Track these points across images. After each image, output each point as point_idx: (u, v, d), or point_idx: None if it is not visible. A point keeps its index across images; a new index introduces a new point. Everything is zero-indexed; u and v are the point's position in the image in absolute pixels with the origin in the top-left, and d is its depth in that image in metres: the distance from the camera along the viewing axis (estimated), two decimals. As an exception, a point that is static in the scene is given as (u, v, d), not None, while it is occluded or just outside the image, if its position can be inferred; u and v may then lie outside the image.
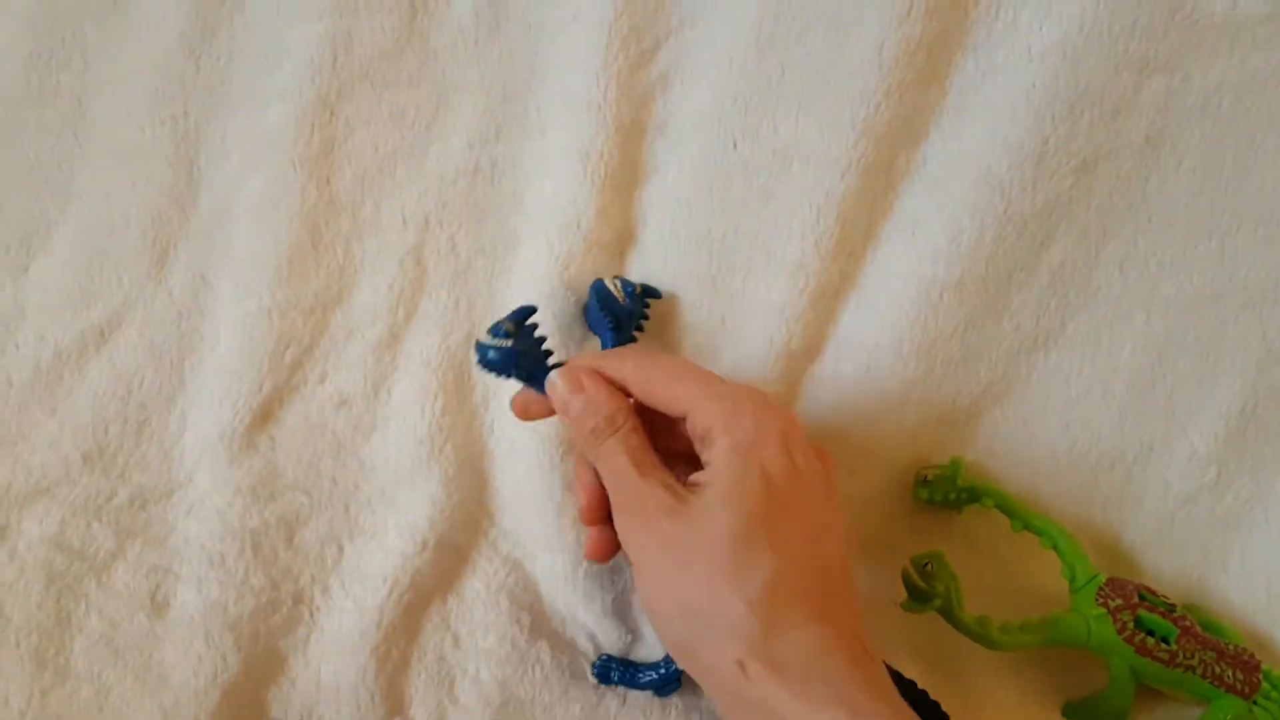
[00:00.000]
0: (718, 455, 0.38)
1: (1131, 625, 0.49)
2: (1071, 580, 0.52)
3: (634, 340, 0.49)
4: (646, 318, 0.50)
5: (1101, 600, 0.50)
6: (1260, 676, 0.50)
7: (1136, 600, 0.50)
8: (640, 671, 0.48)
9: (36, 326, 0.52)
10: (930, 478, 0.54)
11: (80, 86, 0.53)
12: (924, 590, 0.50)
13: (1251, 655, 0.50)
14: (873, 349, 0.51)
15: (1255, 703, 0.49)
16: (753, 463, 0.37)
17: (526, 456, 0.51)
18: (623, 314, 0.48)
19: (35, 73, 0.53)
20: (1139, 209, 0.51)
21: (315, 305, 0.52)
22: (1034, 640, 0.50)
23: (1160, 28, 0.48)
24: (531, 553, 0.51)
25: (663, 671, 0.48)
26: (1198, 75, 0.49)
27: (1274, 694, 0.49)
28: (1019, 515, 0.53)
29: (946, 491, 0.53)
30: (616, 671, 0.48)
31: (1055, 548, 0.52)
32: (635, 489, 0.38)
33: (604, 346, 0.49)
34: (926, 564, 0.51)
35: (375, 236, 0.52)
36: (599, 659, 0.49)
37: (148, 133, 0.53)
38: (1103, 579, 0.51)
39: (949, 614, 0.50)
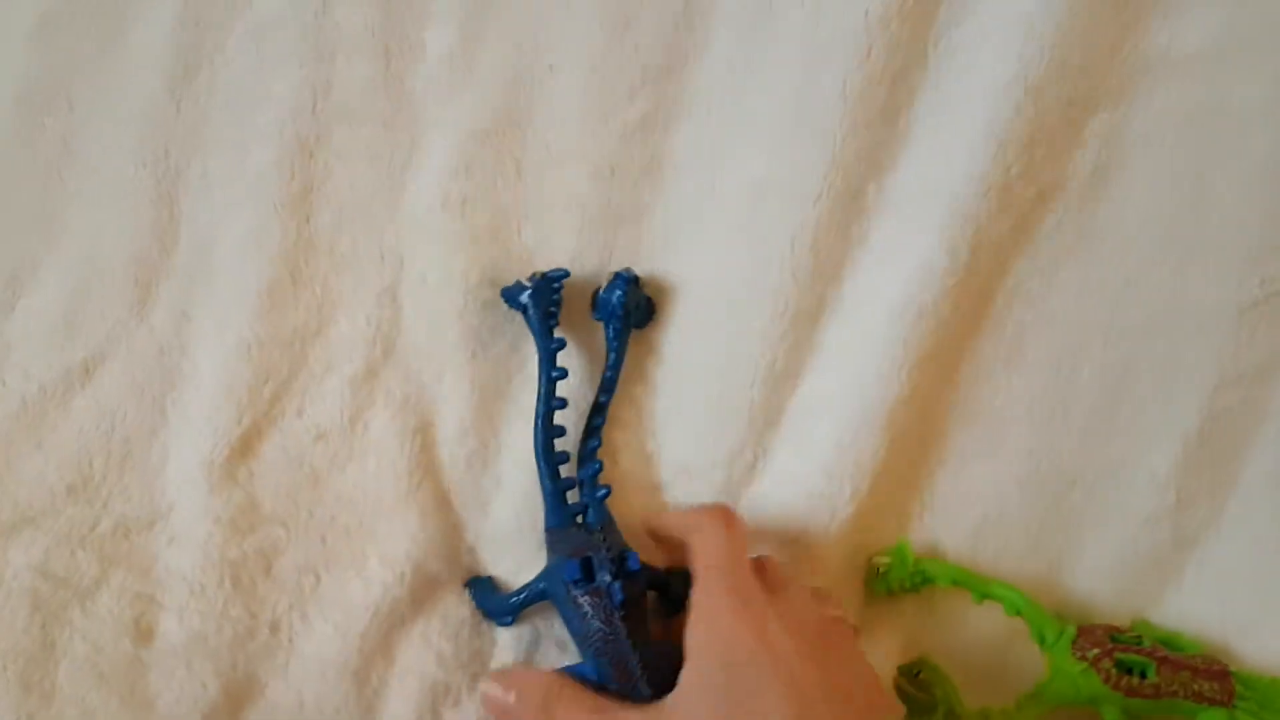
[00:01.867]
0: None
1: (1114, 670, 0.51)
2: (1042, 641, 0.53)
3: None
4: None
5: (1079, 653, 0.52)
6: (1233, 682, 0.52)
7: (1110, 644, 0.52)
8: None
9: (22, 363, 0.55)
10: (883, 570, 0.55)
11: (66, 127, 0.57)
12: (924, 701, 0.52)
13: (1217, 662, 0.53)
14: (856, 371, 0.54)
15: (1235, 708, 0.51)
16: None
17: (510, 487, 0.54)
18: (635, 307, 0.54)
19: (22, 114, 0.56)
20: (1092, 237, 0.55)
21: (294, 340, 0.55)
22: (1034, 716, 0.52)
23: (1103, 65, 0.53)
24: (514, 575, 0.54)
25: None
26: (1140, 110, 0.53)
27: (1248, 694, 0.52)
28: (976, 587, 0.54)
29: (901, 580, 0.55)
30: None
31: (1019, 613, 0.54)
32: None
33: (611, 336, 0.55)
34: (917, 672, 0.53)
35: (353, 273, 0.55)
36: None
37: (131, 173, 0.56)
38: (1072, 631, 0.53)
39: (953, 718, 0.52)
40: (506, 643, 0.53)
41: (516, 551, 0.54)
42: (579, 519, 0.51)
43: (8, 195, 0.57)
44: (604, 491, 0.49)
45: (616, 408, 0.56)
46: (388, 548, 0.53)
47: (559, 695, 0.44)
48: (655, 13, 0.56)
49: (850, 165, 0.53)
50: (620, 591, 0.44)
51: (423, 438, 0.55)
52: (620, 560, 0.46)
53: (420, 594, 0.53)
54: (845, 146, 0.53)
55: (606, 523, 0.50)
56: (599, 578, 0.45)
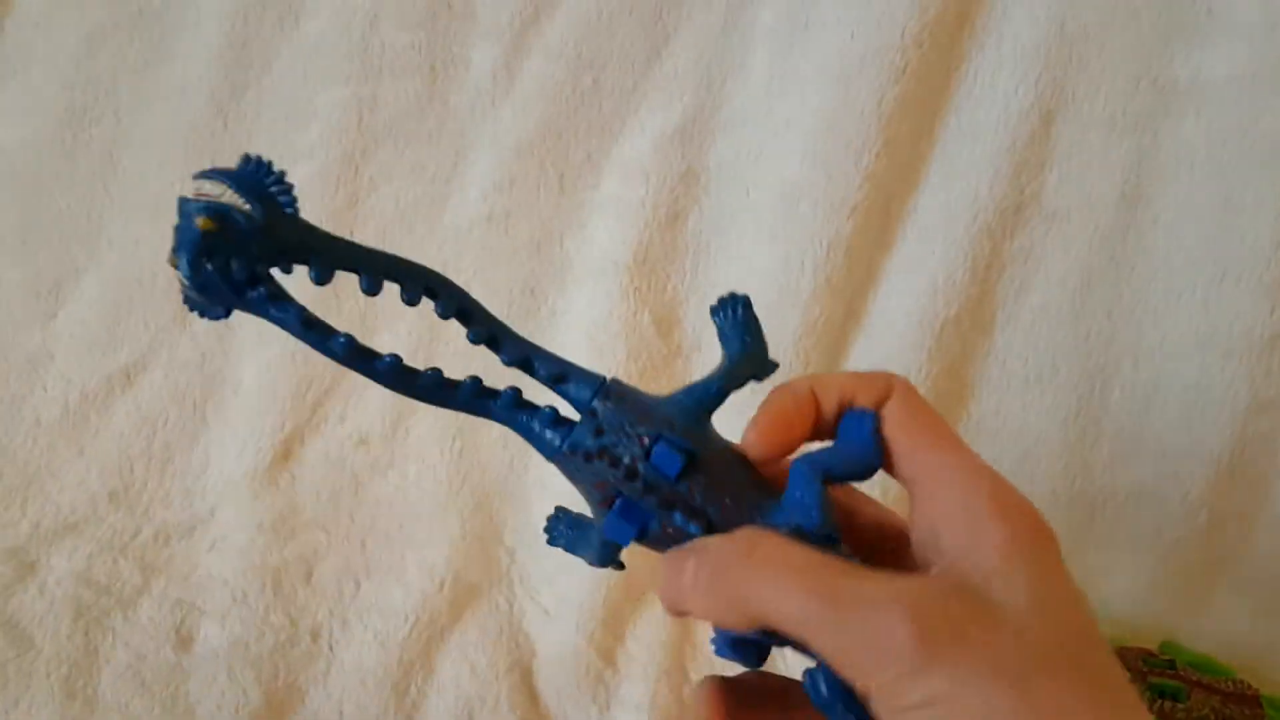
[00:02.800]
0: None
1: (1148, 695, 0.52)
2: None
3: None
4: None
5: None
6: (1262, 708, 0.53)
7: (1144, 668, 0.53)
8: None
9: (64, 369, 0.56)
10: None
11: (112, 140, 0.58)
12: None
13: (1248, 687, 0.54)
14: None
15: (1265, 732, 0.52)
16: None
17: (553, 488, 0.55)
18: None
19: (69, 127, 0.58)
20: (1120, 261, 0.57)
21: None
22: None
23: (1126, 92, 0.54)
24: (551, 581, 0.55)
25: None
26: (1168, 136, 0.55)
27: (1278, 717, 0.53)
28: None
29: None
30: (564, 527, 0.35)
31: None
32: None
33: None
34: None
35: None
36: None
37: (175, 183, 0.58)
38: None
39: None
40: (547, 652, 0.53)
41: (558, 554, 0.55)
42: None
43: (52, 205, 0.58)
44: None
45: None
46: (427, 553, 0.54)
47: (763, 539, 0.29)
48: (695, 29, 0.57)
49: (882, 180, 0.55)
50: (692, 523, 0.31)
51: (463, 442, 0.56)
52: (659, 480, 0.31)
53: (460, 601, 0.53)
54: (879, 162, 0.55)
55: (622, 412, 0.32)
56: (652, 526, 0.31)
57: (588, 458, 0.30)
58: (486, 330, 0.31)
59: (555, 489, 0.55)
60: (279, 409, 0.55)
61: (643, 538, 0.31)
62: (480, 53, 0.57)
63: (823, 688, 0.26)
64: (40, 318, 0.57)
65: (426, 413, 0.56)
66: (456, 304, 0.30)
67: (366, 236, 0.57)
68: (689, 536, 0.30)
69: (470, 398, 0.30)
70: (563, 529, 0.34)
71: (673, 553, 0.29)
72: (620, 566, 0.33)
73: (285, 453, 0.55)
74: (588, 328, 0.57)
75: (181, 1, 0.58)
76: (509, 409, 0.31)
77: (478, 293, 0.57)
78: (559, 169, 0.57)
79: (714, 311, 0.31)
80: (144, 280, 0.57)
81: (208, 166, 0.60)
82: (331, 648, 0.51)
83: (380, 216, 0.57)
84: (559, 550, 0.55)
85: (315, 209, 0.56)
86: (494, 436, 0.56)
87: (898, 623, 0.23)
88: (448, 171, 0.57)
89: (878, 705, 0.24)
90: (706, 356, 0.58)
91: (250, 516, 0.54)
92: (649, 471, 0.30)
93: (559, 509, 0.33)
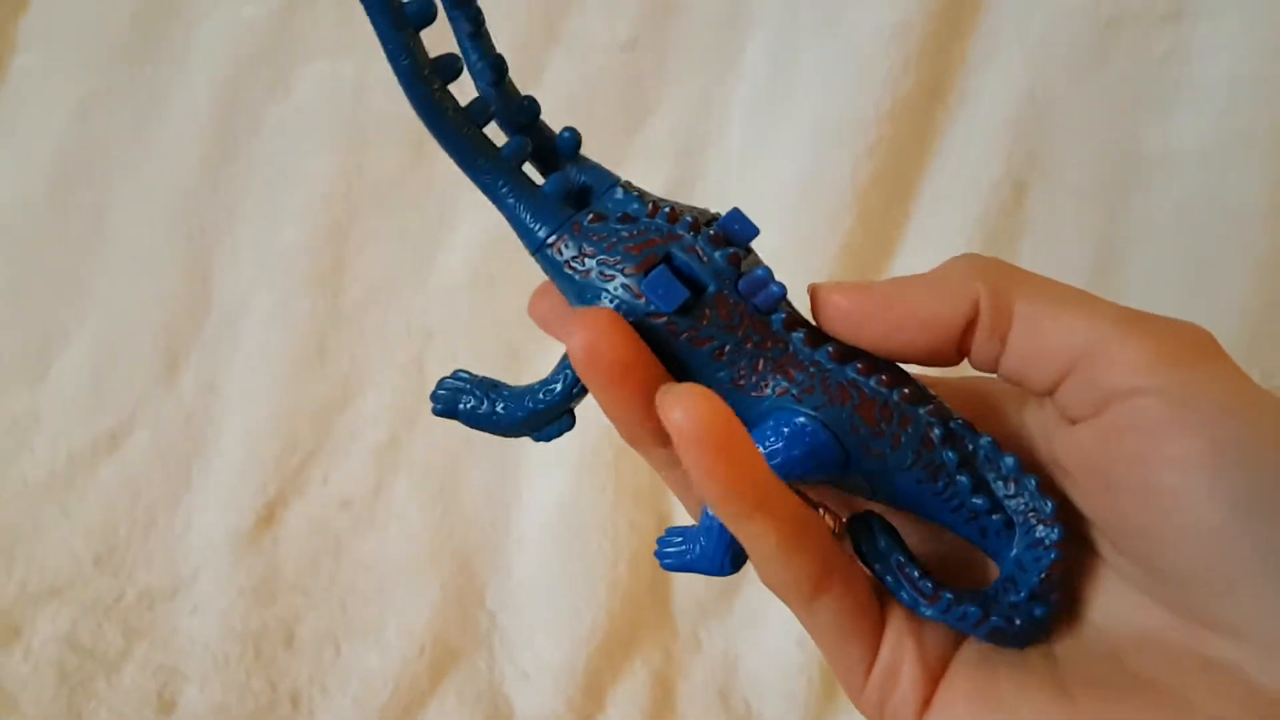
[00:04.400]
0: None
1: None
2: None
3: None
4: None
5: None
6: None
7: None
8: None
9: (52, 430, 0.57)
10: None
11: (101, 202, 0.60)
12: None
13: None
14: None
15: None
16: None
17: (532, 548, 0.56)
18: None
19: (59, 188, 0.60)
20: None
21: (320, 411, 0.58)
22: None
23: (1097, 162, 0.56)
24: (530, 644, 0.56)
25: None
26: (1137, 204, 0.57)
27: None
28: None
29: None
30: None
31: None
32: None
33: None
34: None
35: (379, 346, 0.58)
36: None
37: (164, 246, 0.59)
38: None
39: None
40: (526, 716, 0.54)
41: (538, 614, 0.56)
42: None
43: (41, 267, 0.60)
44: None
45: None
46: (408, 616, 0.55)
47: None
48: (674, 101, 0.59)
49: (857, 248, 0.57)
50: (775, 292, 0.25)
51: (445, 503, 0.57)
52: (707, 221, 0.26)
53: (440, 665, 0.54)
54: (853, 231, 0.56)
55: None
56: (712, 286, 0.24)
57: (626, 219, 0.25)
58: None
59: (535, 551, 0.57)
60: (262, 471, 0.56)
61: (689, 310, 0.24)
62: (465, 122, 0.59)
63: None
64: (28, 379, 0.58)
65: (409, 473, 0.57)
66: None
67: (354, 299, 0.59)
68: (771, 334, 0.24)
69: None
70: (467, 390, 0.27)
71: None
72: (570, 424, 0.27)
73: (268, 515, 0.56)
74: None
75: (173, 68, 0.60)
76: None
77: (463, 355, 0.59)
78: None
79: None
80: (131, 341, 0.59)
81: (197, 229, 0.61)
82: (312, 713, 0.52)
83: (367, 280, 0.58)
84: (540, 611, 0.55)
85: (303, 272, 0.58)
86: (476, 497, 0.58)
87: None
88: (433, 237, 0.59)
89: None
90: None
91: (232, 579, 0.55)
92: (724, 229, 0.24)
93: (460, 372, 0.28)
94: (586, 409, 0.61)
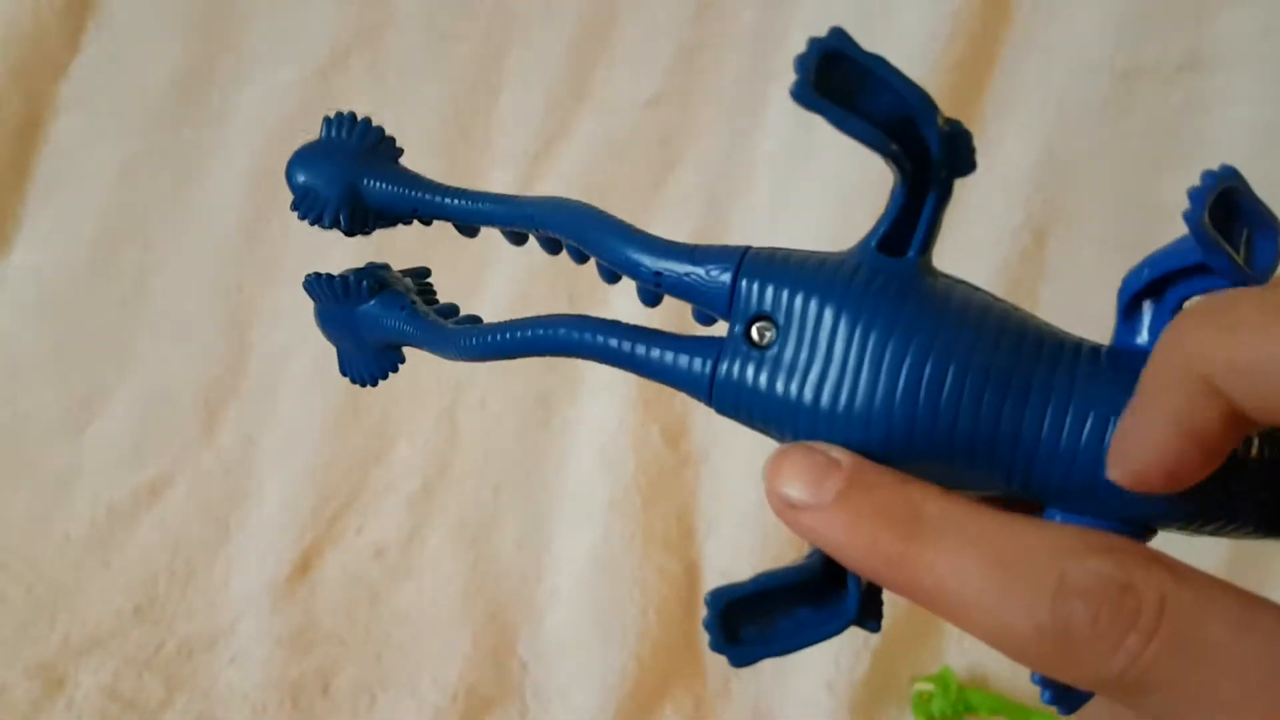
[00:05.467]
0: None
1: None
2: None
3: None
4: None
5: None
6: None
7: None
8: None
9: (93, 484, 0.59)
10: (926, 696, 0.57)
11: (143, 262, 0.62)
12: None
13: None
14: None
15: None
16: None
17: (566, 599, 0.57)
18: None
19: (101, 247, 0.62)
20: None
21: (355, 463, 0.59)
22: None
23: (1118, 213, 0.57)
24: (562, 692, 0.57)
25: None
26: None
27: None
28: (1019, 718, 0.56)
29: (944, 708, 0.56)
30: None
31: None
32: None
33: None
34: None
35: (412, 399, 0.60)
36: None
37: (204, 305, 0.61)
38: None
39: None
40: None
41: (570, 663, 0.57)
42: None
43: (82, 324, 0.62)
44: None
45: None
46: (441, 666, 0.56)
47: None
48: (700, 155, 0.61)
49: None
50: None
51: (477, 552, 0.58)
52: None
53: (473, 714, 0.55)
54: None
55: None
56: None
57: None
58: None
59: (566, 599, 0.58)
60: (299, 522, 0.57)
61: None
62: (496, 179, 0.61)
63: None
64: (70, 434, 0.60)
65: (442, 523, 0.59)
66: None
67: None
68: None
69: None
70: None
71: (811, 448, 0.20)
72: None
73: (304, 565, 0.57)
74: (599, 439, 0.60)
75: (212, 131, 0.62)
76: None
77: (493, 404, 0.60)
78: (569, 289, 0.60)
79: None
80: (171, 396, 0.60)
81: (235, 287, 0.63)
82: (349, 762, 0.53)
83: (399, 335, 0.60)
84: (572, 660, 0.56)
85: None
86: (508, 547, 0.59)
87: None
88: (464, 292, 0.60)
89: None
90: (715, 465, 0.61)
91: (270, 629, 0.56)
92: None
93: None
94: (612, 452, 0.61)
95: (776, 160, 0.60)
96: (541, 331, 0.23)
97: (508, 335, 0.24)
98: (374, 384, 0.27)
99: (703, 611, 0.20)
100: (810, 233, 0.59)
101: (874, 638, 0.56)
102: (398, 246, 0.61)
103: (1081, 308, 0.60)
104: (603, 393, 0.59)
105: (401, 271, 0.28)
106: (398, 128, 0.61)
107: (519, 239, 0.25)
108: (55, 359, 0.62)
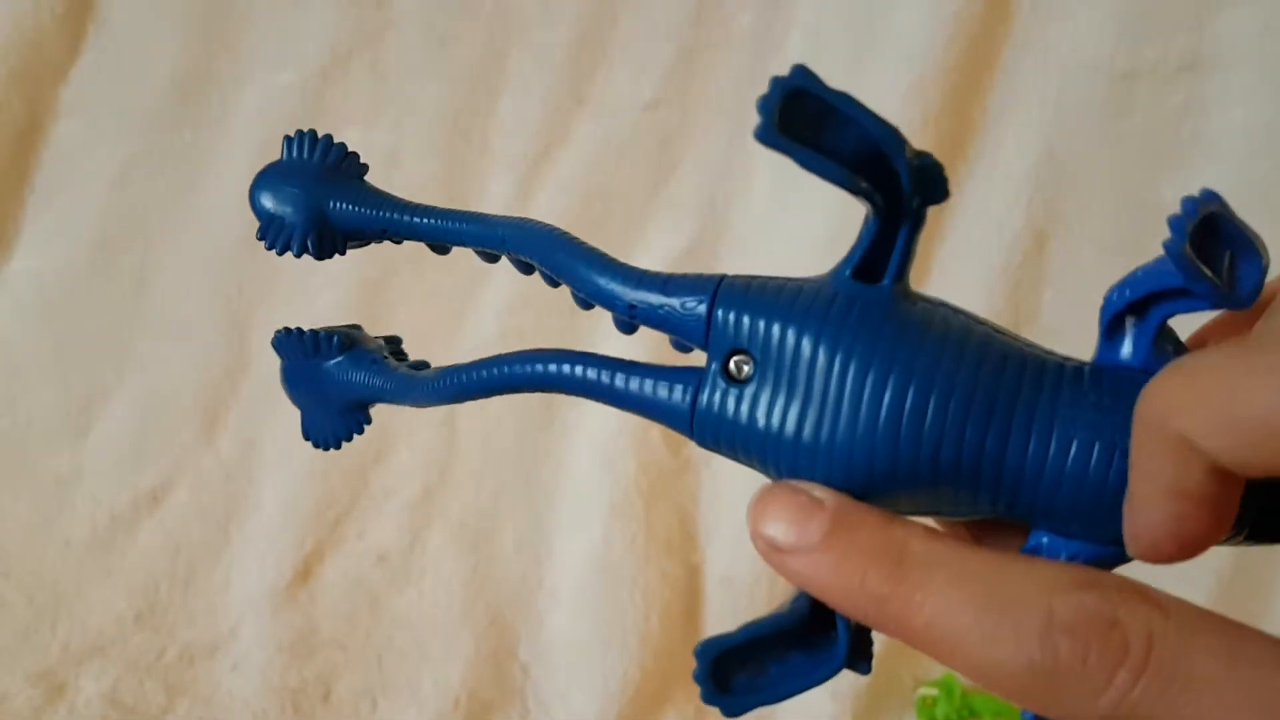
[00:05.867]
0: None
1: None
2: None
3: None
4: None
5: None
6: None
7: None
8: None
9: (93, 490, 0.59)
10: (929, 701, 0.57)
11: (143, 266, 0.62)
12: None
13: None
14: None
15: None
16: None
17: (566, 601, 0.57)
18: None
19: (101, 251, 0.62)
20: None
21: (355, 467, 0.59)
22: None
23: (1117, 213, 0.57)
24: (563, 697, 0.57)
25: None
26: (1158, 254, 0.58)
27: None
28: None
29: (948, 714, 0.57)
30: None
31: None
32: None
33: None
34: None
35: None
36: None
37: (204, 310, 0.61)
38: None
39: None
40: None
41: (571, 667, 0.57)
42: None
43: (82, 329, 0.62)
44: None
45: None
46: (442, 670, 0.56)
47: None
48: (699, 158, 0.61)
49: None
50: None
51: (478, 557, 0.58)
52: None
53: (474, 719, 0.55)
54: None
55: None
56: None
57: None
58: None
59: (567, 603, 0.58)
60: (300, 527, 0.57)
61: None
62: (496, 183, 0.61)
63: None
64: (70, 439, 0.60)
65: (442, 527, 0.59)
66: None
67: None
68: None
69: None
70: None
71: (795, 488, 0.20)
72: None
73: (305, 570, 0.57)
74: (599, 442, 0.60)
75: (212, 134, 0.62)
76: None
77: (493, 409, 0.60)
78: (568, 291, 0.60)
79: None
80: (171, 401, 0.60)
81: (235, 291, 0.63)
82: (350, 768, 0.53)
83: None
84: (573, 664, 0.56)
85: (337, 332, 0.60)
86: (508, 550, 0.59)
87: None
88: (464, 294, 0.60)
89: None
90: (716, 468, 0.61)
91: (271, 635, 0.56)
92: None
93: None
94: (612, 454, 0.61)
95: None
96: (518, 368, 0.23)
97: (483, 373, 0.24)
98: (338, 446, 0.27)
99: (693, 663, 0.20)
100: (809, 235, 0.59)
101: (878, 642, 0.56)
102: (405, 246, 0.61)
103: (1083, 309, 0.60)
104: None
105: (375, 336, 0.28)
106: (397, 130, 0.62)
107: (491, 258, 0.24)
108: (55, 363, 0.62)
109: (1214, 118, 0.57)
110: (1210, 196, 0.19)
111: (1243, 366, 0.16)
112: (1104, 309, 0.21)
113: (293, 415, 0.62)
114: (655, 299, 0.21)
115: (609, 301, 0.22)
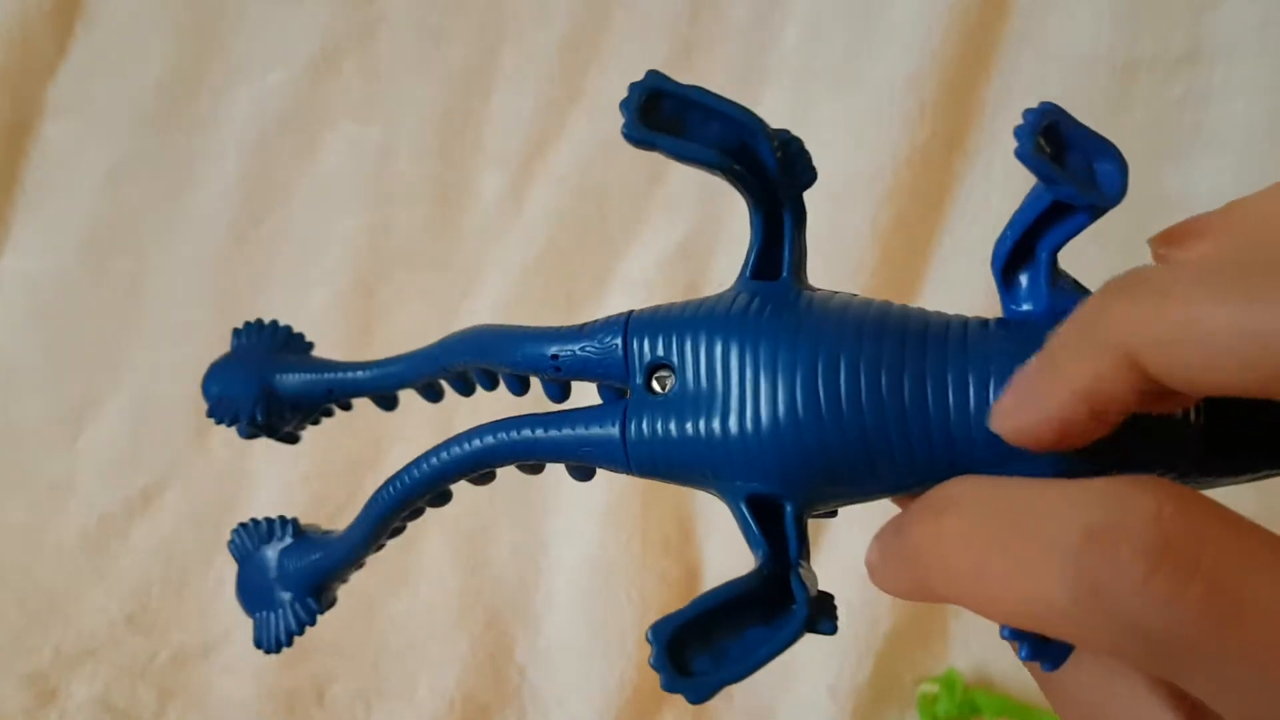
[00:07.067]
0: None
1: None
2: None
3: None
4: None
5: None
6: None
7: None
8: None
9: (85, 493, 0.59)
10: (931, 697, 0.57)
11: (134, 269, 0.62)
12: None
13: None
14: None
15: None
16: None
17: (562, 605, 0.57)
18: None
19: (91, 253, 0.62)
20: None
21: (349, 468, 0.59)
22: None
23: (1119, 204, 0.57)
24: (560, 699, 0.57)
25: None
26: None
27: None
28: (1023, 716, 0.56)
29: (949, 710, 0.56)
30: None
31: None
32: None
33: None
34: None
35: (407, 405, 0.59)
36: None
37: (196, 311, 0.61)
38: None
39: None
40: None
41: (569, 669, 0.56)
42: None
43: (73, 331, 0.61)
44: None
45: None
46: (438, 673, 0.55)
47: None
48: None
49: (879, 293, 0.58)
50: None
51: (475, 558, 0.58)
52: None
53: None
54: (875, 277, 0.57)
55: None
56: None
57: None
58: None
59: (564, 605, 0.57)
60: (294, 529, 0.57)
61: None
62: (489, 181, 0.60)
63: None
64: (62, 444, 0.60)
65: (438, 529, 0.58)
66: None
67: (382, 357, 0.60)
68: None
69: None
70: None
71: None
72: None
73: (300, 572, 0.57)
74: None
75: (202, 134, 0.62)
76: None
77: (487, 410, 0.60)
78: (565, 288, 0.60)
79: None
80: (163, 403, 0.60)
81: (228, 292, 0.63)
82: (345, 771, 0.53)
83: (394, 338, 0.60)
84: (570, 666, 0.56)
85: (332, 332, 0.59)
86: (504, 553, 0.58)
87: None
88: (459, 293, 0.60)
89: None
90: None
91: (265, 638, 0.55)
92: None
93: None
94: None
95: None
96: (457, 449, 0.24)
97: (426, 466, 0.24)
98: (288, 643, 0.27)
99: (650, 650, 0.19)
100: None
101: (877, 640, 0.56)
102: (398, 244, 0.61)
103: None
104: (596, 395, 0.59)
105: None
106: (390, 128, 0.61)
107: (432, 393, 0.26)
108: (46, 366, 0.61)
109: (1214, 109, 0.57)
110: (1049, 106, 0.20)
111: (1203, 284, 0.16)
112: (994, 263, 0.22)
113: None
114: (574, 345, 0.22)
115: (535, 362, 0.23)
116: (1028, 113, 0.19)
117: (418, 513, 0.26)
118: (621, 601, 0.56)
